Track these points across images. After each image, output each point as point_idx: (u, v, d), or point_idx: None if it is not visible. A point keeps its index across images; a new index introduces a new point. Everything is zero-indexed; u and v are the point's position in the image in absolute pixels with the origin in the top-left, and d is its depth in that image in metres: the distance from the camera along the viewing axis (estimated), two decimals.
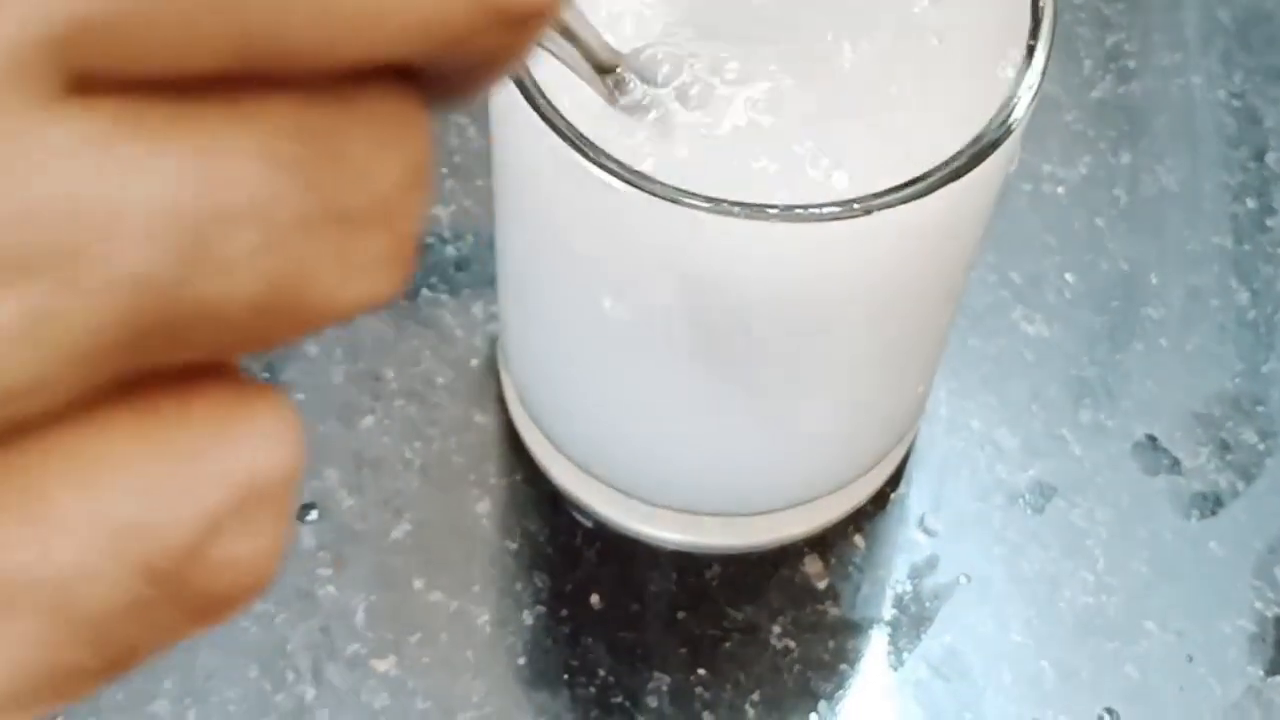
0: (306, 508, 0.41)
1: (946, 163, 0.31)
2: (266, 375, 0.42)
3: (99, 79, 0.13)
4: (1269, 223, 0.46)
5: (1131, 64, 0.48)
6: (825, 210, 0.30)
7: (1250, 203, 0.46)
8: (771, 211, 0.30)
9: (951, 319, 0.39)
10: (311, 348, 0.43)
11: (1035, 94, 0.32)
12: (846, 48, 0.33)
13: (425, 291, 0.44)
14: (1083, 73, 0.48)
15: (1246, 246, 0.45)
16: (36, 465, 0.14)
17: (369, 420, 0.42)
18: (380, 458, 0.42)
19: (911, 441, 0.42)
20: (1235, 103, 0.48)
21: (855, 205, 0.30)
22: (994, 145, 0.31)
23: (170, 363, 0.14)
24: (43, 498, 0.14)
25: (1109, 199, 0.46)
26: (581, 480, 0.41)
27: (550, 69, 0.31)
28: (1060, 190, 0.46)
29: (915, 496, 0.42)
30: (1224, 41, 0.48)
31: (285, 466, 0.15)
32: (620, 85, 0.32)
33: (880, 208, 0.30)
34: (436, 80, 0.15)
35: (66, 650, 0.14)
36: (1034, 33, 0.32)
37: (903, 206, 0.31)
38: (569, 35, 0.30)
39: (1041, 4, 0.32)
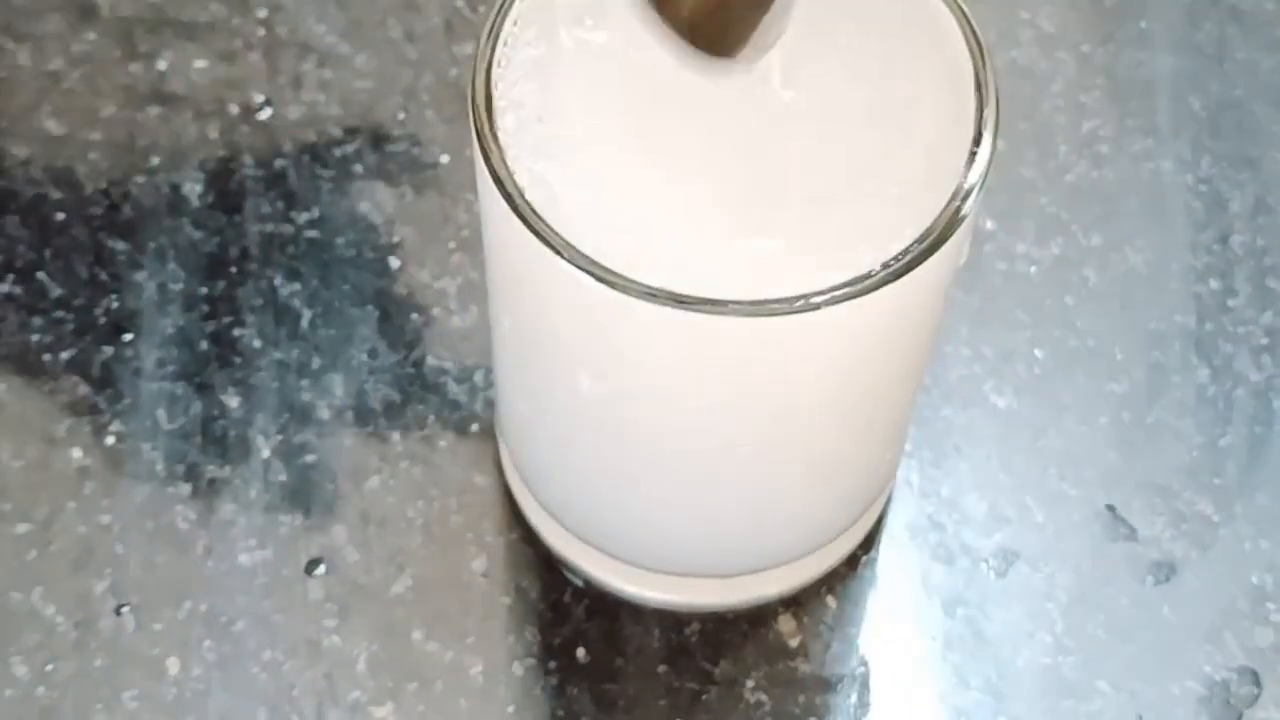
0: (315, 562, 0.44)
1: (893, 260, 0.34)
2: (280, 437, 0.46)
3: None
4: (1231, 303, 0.48)
5: (1105, 149, 0.51)
6: (775, 305, 0.33)
7: (1214, 284, 0.49)
8: (731, 306, 0.33)
9: (916, 393, 0.41)
10: (324, 412, 0.46)
11: (978, 193, 0.35)
12: (799, 132, 0.35)
13: (431, 360, 0.47)
14: (1058, 158, 0.51)
15: (1208, 326, 0.48)
16: None
17: (375, 481, 0.45)
18: (385, 516, 0.45)
19: (883, 507, 0.45)
20: (1203, 188, 0.50)
21: (805, 300, 0.33)
22: (939, 243, 0.34)
23: None
24: None
25: (1079, 279, 0.49)
26: (571, 542, 0.43)
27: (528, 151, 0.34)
28: (1033, 270, 0.49)
29: (885, 559, 0.45)
30: (1194, 128, 0.51)
31: None
32: None
33: (829, 303, 0.33)
34: None
35: None
36: (977, 140, 0.35)
37: (851, 302, 0.33)
38: None
39: (985, 115, 0.35)
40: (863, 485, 0.43)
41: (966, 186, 0.34)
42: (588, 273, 0.33)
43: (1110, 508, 0.45)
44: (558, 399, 0.39)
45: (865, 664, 0.43)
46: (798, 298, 0.33)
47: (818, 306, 0.33)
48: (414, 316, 0.47)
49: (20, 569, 0.44)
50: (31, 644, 0.43)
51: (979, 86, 0.35)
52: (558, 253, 0.33)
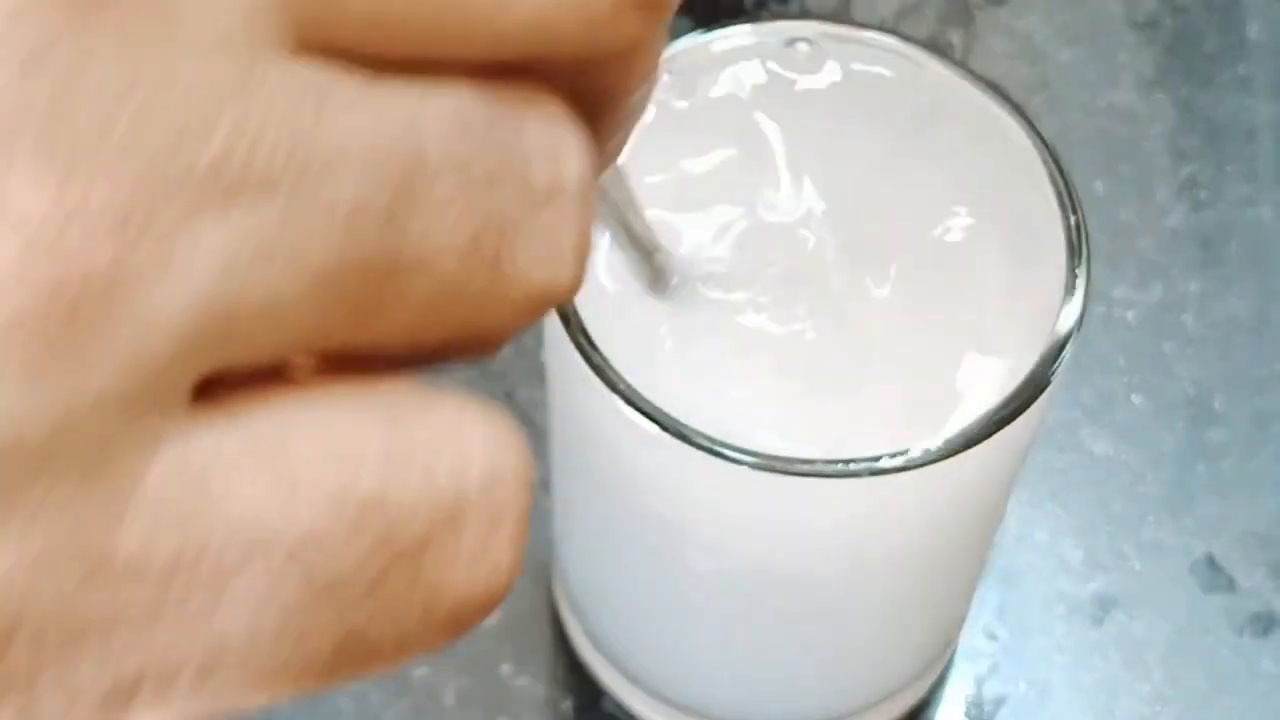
0: None
1: (984, 418, 0.31)
2: None
3: (310, 46, 0.14)
4: None
5: (1204, 195, 0.50)
6: (857, 467, 0.31)
7: None
8: (806, 466, 0.31)
9: (995, 532, 0.40)
10: None
11: (1068, 365, 0.33)
12: (876, 291, 0.34)
13: (522, 390, 0.46)
14: (1157, 202, 0.50)
15: None
16: (279, 423, 0.15)
17: None
18: None
19: (946, 661, 0.44)
20: None
21: (892, 460, 0.31)
22: (1031, 399, 0.32)
23: (389, 339, 0.15)
24: (289, 461, 0.15)
25: (1178, 324, 0.48)
26: (626, 685, 0.42)
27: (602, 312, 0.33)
28: (1131, 315, 0.48)
29: (981, 604, 0.44)
30: None
31: (520, 473, 0.16)
32: (661, 275, 0.33)
33: (920, 464, 0.31)
34: (585, 98, 0.16)
35: (306, 614, 0.15)
36: (1070, 287, 0.33)
37: (944, 461, 0.31)
38: (611, 207, 0.31)
39: (1078, 271, 0.33)
40: (936, 633, 0.41)
41: (1057, 357, 0.32)
42: (665, 428, 0.31)
43: (1209, 557, 0.45)
44: (620, 541, 0.37)
45: (962, 709, 0.43)
46: (884, 456, 0.31)
47: (908, 468, 0.31)
48: (509, 352, 0.47)
49: None
50: None
51: (1070, 241, 0.33)
52: (630, 403, 0.32)
